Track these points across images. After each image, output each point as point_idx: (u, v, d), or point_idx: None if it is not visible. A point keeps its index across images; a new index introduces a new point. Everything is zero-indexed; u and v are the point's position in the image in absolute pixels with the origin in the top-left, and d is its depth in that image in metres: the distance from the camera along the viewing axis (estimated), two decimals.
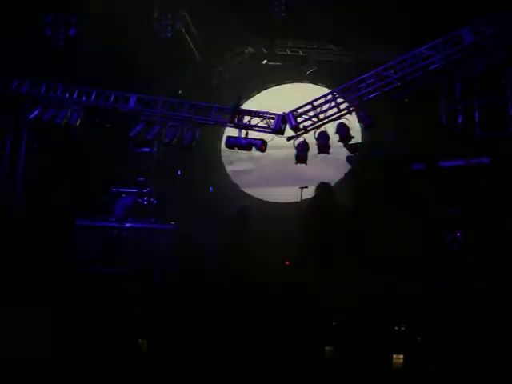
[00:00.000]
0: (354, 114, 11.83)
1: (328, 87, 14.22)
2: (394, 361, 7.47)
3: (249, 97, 16.35)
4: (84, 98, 13.02)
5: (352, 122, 11.79)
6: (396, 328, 8.24)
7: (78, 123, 12.89)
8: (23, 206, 13.15)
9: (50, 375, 6.95)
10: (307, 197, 12.42)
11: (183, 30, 13.92)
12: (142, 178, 14.71)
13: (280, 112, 12.21)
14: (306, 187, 12.51)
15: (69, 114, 12.90)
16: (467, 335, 7.82)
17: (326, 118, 11.87)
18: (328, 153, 11.67)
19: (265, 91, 16.62)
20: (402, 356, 7.52)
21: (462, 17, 11.10)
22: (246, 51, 15.43)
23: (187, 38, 14.30)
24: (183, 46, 14.34)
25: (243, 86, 15.51)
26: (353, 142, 11.88)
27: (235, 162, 16.06)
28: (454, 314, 8.45)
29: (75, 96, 13.05)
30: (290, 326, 8.41)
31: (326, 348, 7.86)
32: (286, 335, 8.15)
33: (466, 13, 11.16)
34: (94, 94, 12.96)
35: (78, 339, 7.79)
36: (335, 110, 11.82)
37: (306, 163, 11.83)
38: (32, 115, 13.01)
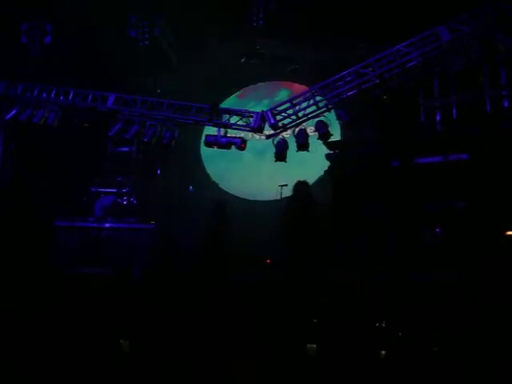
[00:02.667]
0: (332, 111, 11.86)
1: (307, 85, 14.23)
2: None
3: (228, 95, 16.36)
4: (61, 97, 12.89)
5: (331, 119, 11.82)
6: (377, 325, 8.28)
7: (55, 123, 12.78)
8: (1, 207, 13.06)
9: (33, 375, 6.91)
10: (286, 195, 12.49)
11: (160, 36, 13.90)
12: (120, 178, 14.63)
13: (259, 110, 12.23)
14: (286, 185, 12.56)
15: (46, 114, 12.77)
16: (446, 329, 7.90)
17: (304, 115, 11.88)
18: (307, 150, 11.69)
19: (243, 89, 16.63)
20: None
21: (439, 15, 11.21)
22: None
23: (163, 42, 14.26)
24: (159, 49, 14.33)
25: (222, 85, 15.53)
26: (332, 139, 11.91)
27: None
28: (433, 308, 8.53)
29: (52, 96, 12.92)
30: (272, 324, 8.43)
31: (308, 346, 7.88)
32: (267, 334, 8.16)
33: (442, 11, 11.29)
34: (71, 94, 12.84)
35: (60, 340, 7.75)
36: (314, 107, 11.84)
37: (286, 161, 11.83)
38: (9, 116, 12.87)
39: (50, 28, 13.14)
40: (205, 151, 15.49)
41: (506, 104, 11.73)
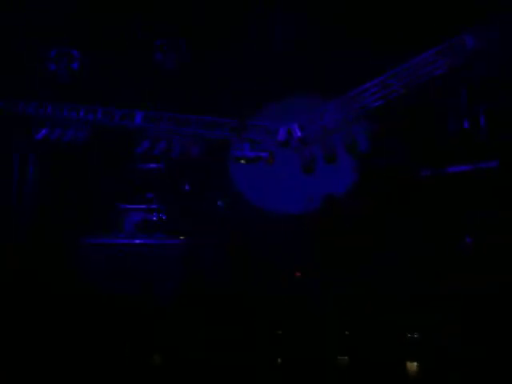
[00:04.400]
0: (359, 123, 11.81)
1: (332, 97, 14.18)
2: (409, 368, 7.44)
3: (255, 109, 16.36)
4: (90, 116, 13.06)
5: (358, 131, 11.77)
6: (409, 335, 8.19)
7: (85, 141, 12.94)
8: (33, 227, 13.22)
9: None
10: (314, 207, 12.41)
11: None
12: (150, 195, 14.70)
13: (285, 123, 12.24)
14: (313, 199, 12.49)
15: (75, 132, 12.95)
16: (483, 340, 7.77)
17: (331, 127, 11.86)
18: (334, 163, 11.65)
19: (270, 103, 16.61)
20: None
21: (462, 21, 11.11)
22: None
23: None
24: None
25: (248, 99, 15.53)
26: (359, 151, 11.84)
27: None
28: (468, 319, 8.39)
29: (81, 114, 13.10)
30: (302, 338, 8.38)
31: (340, 358, 7.82)
32: (297, 348, 8.11)
33: (465, 17, 11.18)
34: (99, 112, 13.00)
35: (87, 358, 7.79)
36: (341, 119, 11.81)
37: (313, 173, 11.80)
38: (40, 135, 13.07)
39: (77, 54, 13.38)
40: (233, 166, 15.50)
41: None
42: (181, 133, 12.64)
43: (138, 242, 13.17)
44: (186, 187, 15.18)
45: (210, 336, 8.66)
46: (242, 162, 12.44)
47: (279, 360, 7.76)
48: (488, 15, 10.97)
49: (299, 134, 12.10)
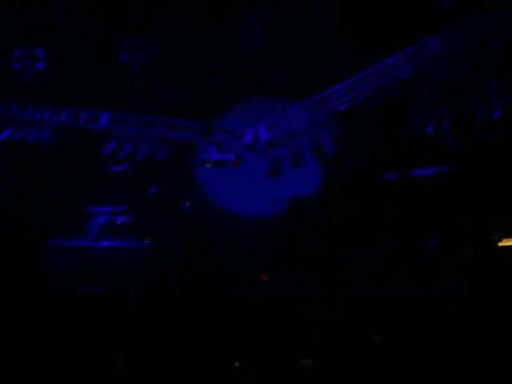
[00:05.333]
0: (325, 126, 11.87)
1: (299, 99, 14.24)
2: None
3: (221, 111, 16.35)
4: (55, 117, 12.92)
5: (324, 134, 11.83)
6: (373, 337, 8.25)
7: (49, 143, 12.81)
8: None
9: None
10: (280, 211, 12.44)
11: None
12: (115, 197, 14.59)
13: (252, 126, 12.25)
14: (278, 201, 12.53)
15: (40, 134, 12.81)
16: (449, 344, 7.85)
17: (297, 131, 11.90)
18: (300, 166, 11.70)
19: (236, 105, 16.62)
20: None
21: (429, 25, 11.24)
22: None
23: None
24: None
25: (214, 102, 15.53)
26: (325, 154, 11.91)
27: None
28: (431, 321, 8.48)
29: (46, 116, 12.95)
30: (268, 340, 8.39)
31: (304, 361, 7.84)
32: (264, 351, 8.12)
33: (432, 21, 11.31)
34: (64, 114, 12.87)
35: (52, 360, 7.71)
36: (306, 123, 11.86)
37: (279, 177, 11.84)
38: (2, 136, 12.89)
39: (41, 54, 13.22)
40: (200, 168, 15.47)
41: (495, 115, 11.75)
42: (147, 135, 12.58)
43: (103, 244, 13.09)
44: (152, 189, 15.12)
45: (176, 337, 8.63)
46: (208, 164, 12.43)
47: (238, 364, 7.76)
48: (452, 20, 11.13)
49: (265, 136, 12.13)
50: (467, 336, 7.87)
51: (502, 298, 8.82)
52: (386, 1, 11.91)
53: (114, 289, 11.72)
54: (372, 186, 11.98)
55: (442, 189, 11.32)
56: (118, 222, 13.87)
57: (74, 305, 10.48)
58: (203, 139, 12.36)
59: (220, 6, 13.03)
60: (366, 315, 9.09)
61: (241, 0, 12.77)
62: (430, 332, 8.21)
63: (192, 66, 12.96)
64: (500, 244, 10.66)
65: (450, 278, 10.19)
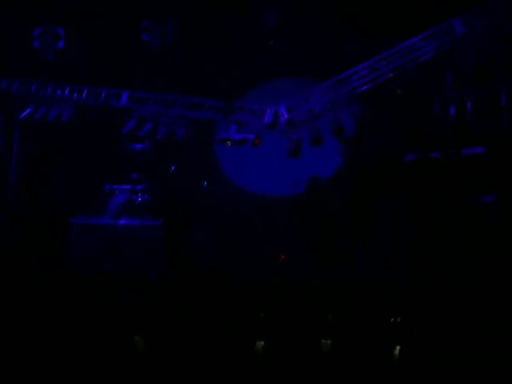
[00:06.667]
0: (346, 106, 11.81)
1: (319, 80, 14.19)
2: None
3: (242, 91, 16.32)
4: (75, 95, 12.96)
5: (344, 114, 11.78)
6: (392, 320, 8.24)
7: (69, 121, 12.87)
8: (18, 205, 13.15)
9: (47, 374, 6.92)
10: (299, 190, 12.45)
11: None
12: (135, 175, 14.63)
13: (272, 106, 12.22)
14: (298, 182, 12.53)
15: (60, 111, 12.85)
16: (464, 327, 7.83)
17: (318, 111, 11.85)
18: (320, 146, 11.67)
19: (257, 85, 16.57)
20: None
21: (453, 7, 11.11)
22: None
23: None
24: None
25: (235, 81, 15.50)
26: (345, 135, 11.86)
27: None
28: (451, 305, 8.46)
29: (66, 93, 12.99)
30: (286, 321, 8.41)
31: (323, 341, 7.83)
32: (281, 331, 8.13)
33: (456, 3, 11.18)
34: (85, 91, 12.90)
35: (74, 338, 7.77)
36: (328, 103, 11.80)
37: (298, 157, 11.82)
38: (23, 114, 12.96)
39: (62, 32, 13.22)
40: (219, 147, 15.47)
41: None
42: (166, 114, 12.59)
43: (122, 222, 13.17)
44: (171, 168, 15.15)
45: (194, 315, 8.67)
46: (228, 143, 12.43)
47: (261, 342, 7.79)
48: (476, 2, 10.99)
49: (286, 116, 12.09)
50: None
51: None
52: None
53: (133, 267, 11.81)
54: (392, 166, 11.94)
55: (462, 171, 11.26)
56: (138, 200, 13.91)
57: (95, 283, 10.56)
58: (223, 118, 12.36)
59: None
60: (381, 297, 9.09)
61: None
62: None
63: (214, 46, 12.93)
64: None
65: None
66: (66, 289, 9.79)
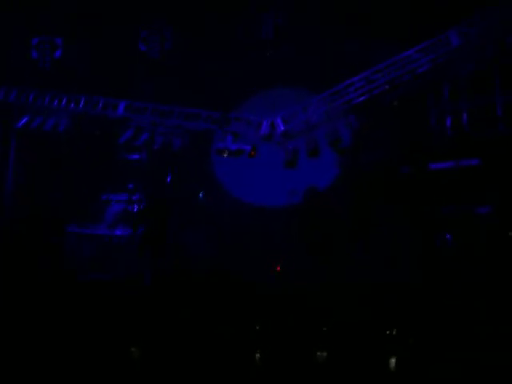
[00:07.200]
0: (343, 117, 11.85)
1: (316, 91, 14.24)
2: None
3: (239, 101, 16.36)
4: (72, 105, 12.98)
5: (341, 125, 11.82)
6: (387, 332, 8.22)
7: (66, 130, 12.89)
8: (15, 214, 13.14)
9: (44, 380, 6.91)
10: (296, 201, 12.46)
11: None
12: (131, 185, 14.63)
13: (269, 117, 12.26)
14: (295, 191, 12.54)
15: (57, 121, 12.87)
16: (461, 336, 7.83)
17: (314, 122, 11.89)
18: (317, 157, 11.71)
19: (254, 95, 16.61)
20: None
21: (448, 17, 11.17)
22: None
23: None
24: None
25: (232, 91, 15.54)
26: (342, 146, 11.89)
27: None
28: (448, 314, 8.46)
29: (63, 103, 13.01)
30: (281, 330, 8.40)
31: (318, 353, 7.83)
32: (276, 339, 8.12)
33: (451, 13, 11.23)
34: (82, 101, 12.92)
35: (70, 345, 7.75)
36: (324, 114, 11.84)
37: (295, 168, 11.85)
38: (20, 123, 12.98)
39: (60, 42, 13.27)
40: (215, 158, 15.48)
41: None
42: (164, 124, 12.62)
43: (118, 233, 13.16)
44: (168, 178, 15.16)
45: (192, 319, 8.67)
46: (225, 154, 12.45)
47: (257, 355, 7.79)
48: (473, 13, 11.06)
49: (282, 127, 12.12)
50: None
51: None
52: None
53: (129, 274, 11.80)
54: (389, 177, 11.96)
55: (460, 182, 11.27)
56: (134, 210, 13.91)
57: (91, 290, 10.55)
58: (220, 129, 12.39)
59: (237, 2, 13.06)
60: (381, 303, 9.08)
61: None
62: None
63: (210, 57, 12.98)
64: None
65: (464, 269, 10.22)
66: (65, 294, 9.80)
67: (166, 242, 12.43)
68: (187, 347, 7.71)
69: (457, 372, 6.71)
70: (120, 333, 8.14)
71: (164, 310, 9.06)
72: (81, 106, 12.96)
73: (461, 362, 6.89)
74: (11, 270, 10.84)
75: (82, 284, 11.05)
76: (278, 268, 12.73)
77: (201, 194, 14.95)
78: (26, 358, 7.06)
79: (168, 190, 14.92)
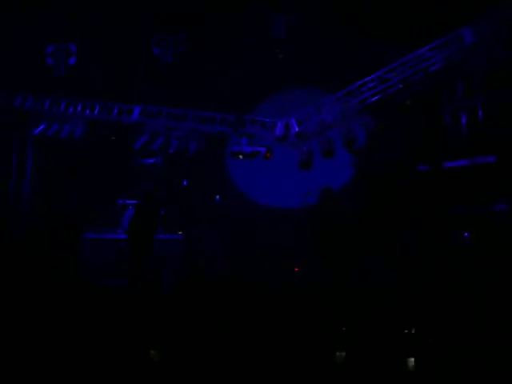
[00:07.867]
0: (357, 117, 11.83)
1: (330, 91, 14.23)
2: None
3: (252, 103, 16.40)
4: (87, 111, 13.09)
5: (355, 125, 11.80)
6: (406, 331, 8.19)
7: (82, 137, 13.01)
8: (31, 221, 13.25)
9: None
10: (311, 202, 12.44)
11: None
12: (147, 190, 14.70)
13: (283, 118, 12.27)
14: (311, 192, 12.53)
15: (73, 128, 13.00)
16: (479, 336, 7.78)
17: (328, 122, 11.89)
18: (332, 157, 11.70)
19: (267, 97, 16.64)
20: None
21: (461, 14, 11.11)
22: None
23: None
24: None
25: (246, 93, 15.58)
26: (357, 146, 11.88)
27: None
28: (466, 314, 8.41)
29: (79, 110, 13.12)
30: (300, 332, 8.39)
31: (337, 354, 7.81)
32: (295, 343, 8.11)
33: (464, 10, 11.17)
34: (97, 108, 13.03)
35: (88, 353, 7.79)
36: (338, 114, 11.84)
37: (310, 169, 11.86)
38: (37, 131, 13.11)
39: (74, 48, 13.39)
40: (230, 161, 15.52)
41: None
42: (179, 128, 12.68)
43: None
44: (184, 182, 15.22)
45: (208, 328, 8.67)
46: (240, 156, 12.49)
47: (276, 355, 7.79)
48: (486, 10, 10.98)
49: (297, 128, 12.13)
50: None
51: None
52: None
53: (148, 280, 11.82)
54: (404, 176, 11.92)
55: (476, 180, 11.20)
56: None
57: (108, 297, 10.58)
58: (234, 131, 12.43)
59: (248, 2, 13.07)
60: (397, 304, 9.05)
61: None
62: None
63: (224, 59, 13.02)
64: None
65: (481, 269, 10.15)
66: (81, 300, 9.83)
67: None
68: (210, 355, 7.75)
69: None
70: (135, 339, 8.17)
71: (182, 316, 9.08)
72: (96, 112, 13.06)
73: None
74: (28, 277, 10.92)
75: (98, 290, 11.08)
76: (296, 269, 12.74)
77: (217, 197, 15.00)
78: (41, 365, 7.12)
79: (184, 194, 15.00)
